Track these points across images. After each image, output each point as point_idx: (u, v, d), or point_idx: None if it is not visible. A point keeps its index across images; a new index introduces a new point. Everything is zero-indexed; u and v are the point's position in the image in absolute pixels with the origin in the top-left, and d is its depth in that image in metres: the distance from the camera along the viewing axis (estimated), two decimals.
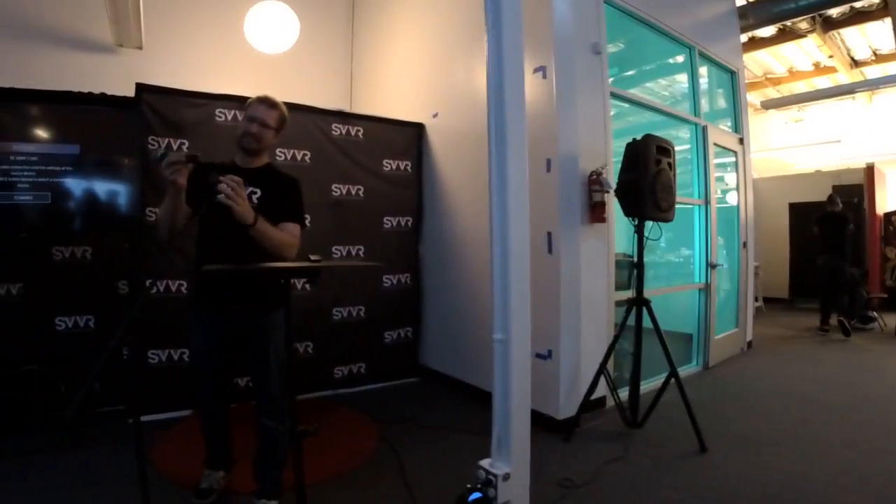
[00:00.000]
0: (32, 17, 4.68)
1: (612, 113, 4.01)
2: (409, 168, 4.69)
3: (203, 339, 2.42)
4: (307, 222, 2.52)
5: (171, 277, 3.56)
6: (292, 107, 3.59)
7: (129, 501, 2.40)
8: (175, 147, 3.50)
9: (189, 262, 3.31)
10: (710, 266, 4.98)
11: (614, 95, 4.09)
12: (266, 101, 2.38)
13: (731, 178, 6.05)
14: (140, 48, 4.76)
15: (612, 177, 3.72)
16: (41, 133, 3.46)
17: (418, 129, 4.79)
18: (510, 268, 2.08)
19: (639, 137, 3.35)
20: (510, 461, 2.07)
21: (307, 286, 3.86)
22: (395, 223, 4.57)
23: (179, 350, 3.58)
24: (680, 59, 5.29)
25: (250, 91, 2.79)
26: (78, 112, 3.57)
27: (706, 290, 4.98)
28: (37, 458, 3.00)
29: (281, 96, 2.48)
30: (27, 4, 4.67)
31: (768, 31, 7.72)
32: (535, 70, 3.58)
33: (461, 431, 3.44)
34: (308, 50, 5.46)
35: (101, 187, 3.54)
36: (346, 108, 5.45)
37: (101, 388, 3.45)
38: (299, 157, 4.00)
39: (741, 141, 5.85)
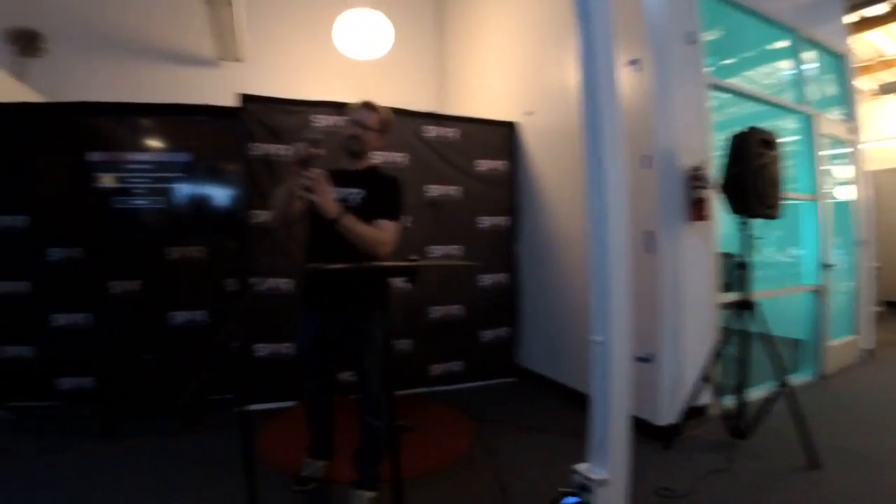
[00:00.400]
0: (144, 38, 5.17)
1: (710, 105, 3.83)
2: (503, 167, 4.69)
3: (308, 336, 2.53)
4: (406, 223, 2.55)
5: (276, 276, 3.76)
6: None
7: (234, 484, 2.56)
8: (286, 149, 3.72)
9: (291, 262, 3.52)
10: (824, 267, 4.64)
11: (712, 86, 3.89)
12: (367, 105, 2.47)
13: (844, 171, 5.59)
14: (240, 61, 5.12)
15: (713, 172, 3.56)
16: (155, 143, 3.77)
17: (511, 127, 4.77)
18: (609, 268, 2.05)
19: (741, 130, 3.19)
20: (608, 467, 2.03)
21: (406, 285, 3.95)
22: (490, 222, 4.59)
23: (284, 344, 3.78)
24: (781, 44, 4.95)
25: (344, 97, 2.90)
26: (188, 122, 3.88)
27: (819, 292, 4.63)
28: (150, 440, 3.29)
29: (374, 100, 2.56)
30: (139, 27, 5.17)
31: (880, 8, 7.07)
32: (629, 63, 3.49)
33: (557, 434, 3.41)
34: (399, 52, 5.55)
35: (210, 191, 3.81)
36: (439, 110, 5.53)
37: (211, 377, 3.71)
38: (394, 160, 4.11)
39: (854, 130, 5.41)
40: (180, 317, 3.92)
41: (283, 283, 3.79)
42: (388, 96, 4.57)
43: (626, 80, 3.45)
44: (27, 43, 5.38)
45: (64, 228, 3.83)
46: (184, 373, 3.51)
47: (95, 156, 3.72)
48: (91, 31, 5.37)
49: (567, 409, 3.89)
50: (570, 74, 4.04)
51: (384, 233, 2.31)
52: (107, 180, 3.70)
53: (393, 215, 2.38)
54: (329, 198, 2.17)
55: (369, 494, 2.46)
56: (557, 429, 3.48)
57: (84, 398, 3.87)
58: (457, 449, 3.18)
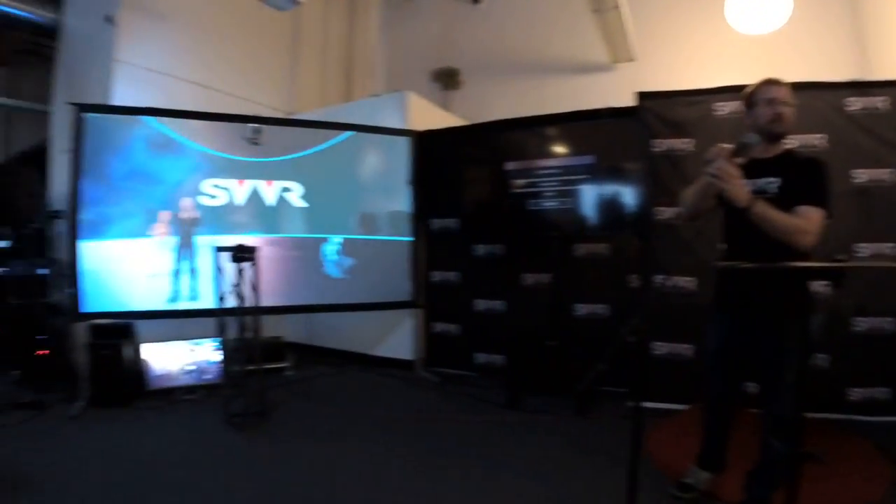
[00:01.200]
0: (542, 56, 5.99)
1: None
2: None
3: (717, 339, 2.47)
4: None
5: (680, 273, 3.73)
6: (793, 86, 3.37)
7: (614, 476, 2.65)
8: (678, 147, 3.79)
9: (698, 260, 3.49)
10: None
11: None
12: (776, 81, 2.31)
13: None
14: (633, 60, 5.42)
15: None
16: (561, 148, 4.24)
17: None
18: None
19: None
20: None
21: (827, 289, 3.50)
22: None
23: (683, 345, 3.78)
24: None
25: (745, 78, 2.76)
26: (589, 127, 4.23)
27: None
28: (546, 418, 3.74)
29: (779, 76, 2.38)
30: (536, 47, 6.06)
31: None
32: None
33: None
34: (802, 17, 4.89)
35: (614, 190, 4.07)
36: (862, 76, 4.61)
37: (608, 369, 3.98)
38: (809, 142, 3.63)
39: None
40: (583, 309, 4.35)
41: (688, 282, 3.74)
42: (796, 69, 4.09)
43: None
44: (449, 79, 6.85)
45: (487, 228, 4.71)
46: (582, 361, 3.79)
47: (510, 165, 4.41)
48: (496, 59, 6.51)
49: None
50: None
51: (804, 220, 2.09)
52: (521, 186, 4.33)
53: (815, 200, 2.13)
54: (738, 184, 2.10)
55: None
56: None
57: (494, 372, 4.68)
58: (866, 494, 2.63)
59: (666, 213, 3.76)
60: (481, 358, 4.83)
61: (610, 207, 4.05)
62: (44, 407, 3.81)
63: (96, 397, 3.92)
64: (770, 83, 2.33)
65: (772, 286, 2.17)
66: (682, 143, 3.78)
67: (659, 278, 3.77)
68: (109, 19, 4.74)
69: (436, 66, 6.94)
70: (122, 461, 3.00)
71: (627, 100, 4.01)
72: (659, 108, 3.86)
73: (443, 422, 3.72)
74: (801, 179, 2.21)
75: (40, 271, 4.86)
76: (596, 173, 4.06)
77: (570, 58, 5.81)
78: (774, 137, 2.31)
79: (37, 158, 5.98)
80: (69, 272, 4.14)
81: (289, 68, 6.44)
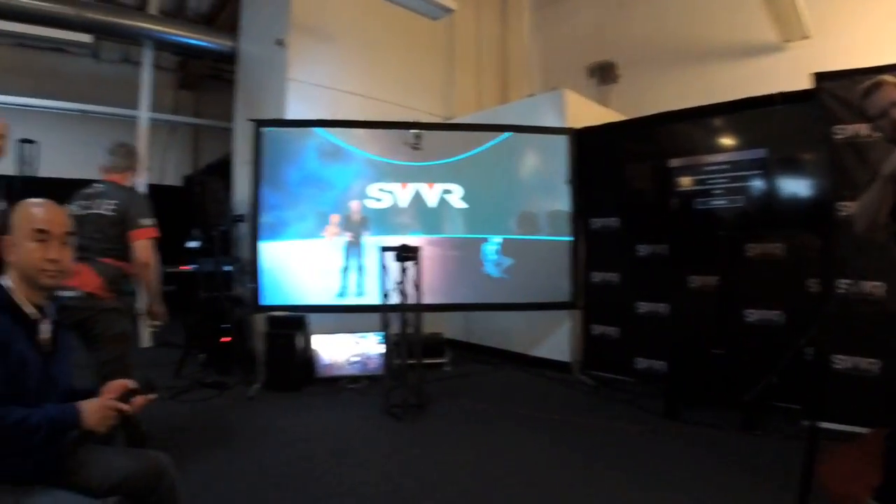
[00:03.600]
0: (704, 41, 5.96)
1: None
2: None
3: None
4: None
5: (868, 278, 3.53)
6: None
7: (779, 501, 2.63)
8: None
9: (890, 262, 3.29)
10: None
11: None
12: (878, 85, 2.20)
13: None
14: (807, 38, 5.15)
15: None
16: (729, 141, 4.19)
17: None
18: None
19: None
20: None
21: None
22: None
23: (868, 359, 3.55)
24: None
25: None
26: (759, 115, 4.13)
27: None
28: (708, 431, 3.70)
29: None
30: (697, 32, 6.03)
31: None
32: None
33: None
34: None
35: (789, 185, 3.96)
36: None
37: (779, 382, 3.87)
38: None
39: None
40: (755, 315, 4.23)
41: (876, 287, 3.52)
42: None
43: None
44: (605, 73, 6.99)
45: (649, 227, 4.80)
46: (752, 372, 3.72)
47: (674, 160, 4.45)
48: (654, 48, 6.54)
49: None
50: None
51: None
52: (686, 182, 4.36)
53: None
54: None
55: None
56: None
57: (654, 379, 4.74)
58: None
59: (850, 208, 3.56)
60: (641, 363, 4.91)
61: (786, 203, 3.93)
62: (225, 387, 4.70)
63: (271, 381, 4.73)
64: (870, 91, 2.24)
65: None
66: (869, 129, 3.52)
67: (842, 283, 3.58)
68: (280, 42, 5.58)
69: (591, 60, 7.09)
70: (290, 437, 3.60)
71: (803, 83, 3.86)
72: (840, 90, 3.64)
73: (597, 427, 3.85)
74: None
75: (225, 268, 5.81)
76: (769, 166, 3.96)
77: (735, 40, 5.62)
78: None
79: (221, 169, 7.15)
80: (250, 269, 4.99)
81: (445, 74, 7.05)
